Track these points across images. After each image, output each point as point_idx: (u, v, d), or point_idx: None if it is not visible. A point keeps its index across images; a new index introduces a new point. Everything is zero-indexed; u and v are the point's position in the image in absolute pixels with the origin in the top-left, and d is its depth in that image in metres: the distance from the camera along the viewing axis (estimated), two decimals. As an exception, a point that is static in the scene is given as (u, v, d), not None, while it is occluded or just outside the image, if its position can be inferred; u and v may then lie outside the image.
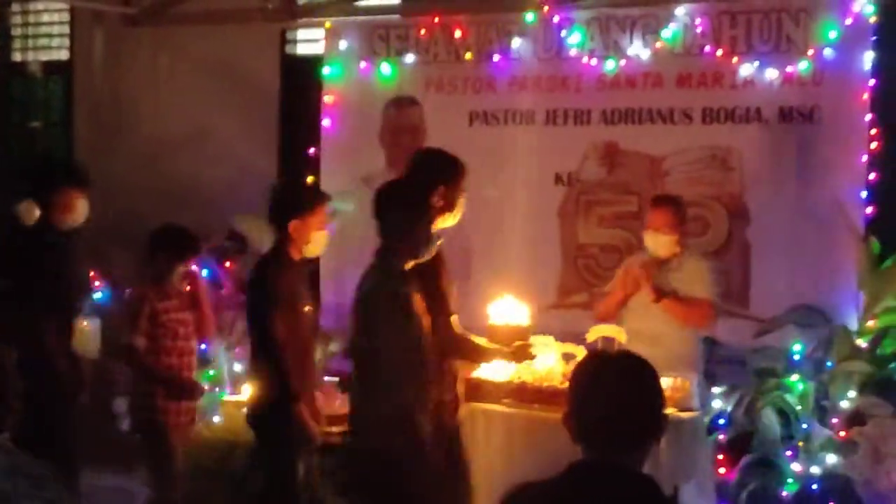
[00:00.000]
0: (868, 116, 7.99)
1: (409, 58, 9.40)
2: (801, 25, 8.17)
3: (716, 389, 8.05)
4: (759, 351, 8.10)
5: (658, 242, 7.35)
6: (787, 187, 8.21)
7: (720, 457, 7.64)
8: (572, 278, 8.88)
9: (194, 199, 10.22)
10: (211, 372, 8.84)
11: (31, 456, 3.51)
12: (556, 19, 8.86)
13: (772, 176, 8.23)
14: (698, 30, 8.45)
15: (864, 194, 7.97)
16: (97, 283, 9.51)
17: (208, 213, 9.76)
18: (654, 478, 3.31)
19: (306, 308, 6.73)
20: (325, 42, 9.81)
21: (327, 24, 9.75)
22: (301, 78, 10.32)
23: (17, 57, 12.03)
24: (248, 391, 7.02)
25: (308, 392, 6.60)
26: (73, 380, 7.11)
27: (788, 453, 7.62)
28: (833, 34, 8.06)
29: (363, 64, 9.56)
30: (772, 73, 8.25)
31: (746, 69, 8.33)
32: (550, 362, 7.18)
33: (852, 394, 7.63)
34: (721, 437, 7.81)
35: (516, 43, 8.99)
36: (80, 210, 7.11)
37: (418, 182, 6.34)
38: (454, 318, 6.41)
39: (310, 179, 9.28)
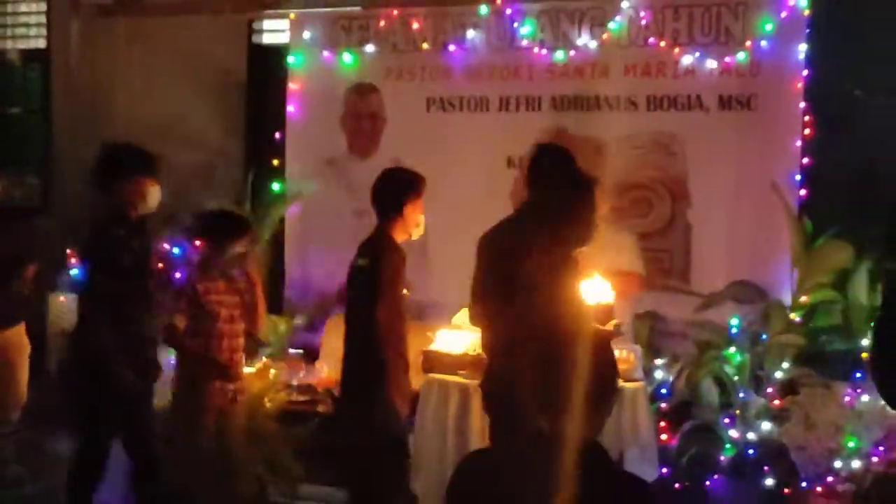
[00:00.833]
0: (801, 104, 7.98)
1: (370, 47, 9.33)
2: (740, 19, 8.16)
3: (658, 361, 8.07)
4: (699, 325, 8.12)
5: None
6: (726, 171, 8.21)
7: (662, 424, 7.63)
8: (524, 256, 8.83)
9: (166, 181, 10.15)
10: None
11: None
12: (508, 11, 8.80)
13: (712, 160, 8.23)
14: (643, 22, 8.42)
15: (797, 178, 7.99)
16: (73, 261, 9.42)
17: (180, 194, 9.71)
18: (601, 444, 3.30)
19: (405, 291, 6.67)
20: (289, 32, 9.73)
21: (292, 16, 9.66)
22: (267, 66, 10.24)
23: (-4, 46, 11.95)
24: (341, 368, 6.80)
25: (405, 373, 6.54)
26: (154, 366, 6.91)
27: (726, 420, 7.63)
28: (769, 27, 8.05)
29: (326, 53, 9.49)
30: (712, 64, 8.22)
31: (688, 59, 8.30)
32: (503, 336, 7.16)
33: (786, 365, 7.66)
34: (663, 405, 7.81)
35: (471, 34, 8.94)
36: (154, 198, 6.90)
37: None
38: None
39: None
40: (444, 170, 8.88)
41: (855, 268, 7.78)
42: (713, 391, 7.77)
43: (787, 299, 7.87)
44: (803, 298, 7.77)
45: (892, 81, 8.33)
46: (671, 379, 7.96)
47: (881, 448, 7.15)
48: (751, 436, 7.51)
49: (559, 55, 8.68)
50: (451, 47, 9.03)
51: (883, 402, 7.20)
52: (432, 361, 7.28)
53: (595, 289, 6.60)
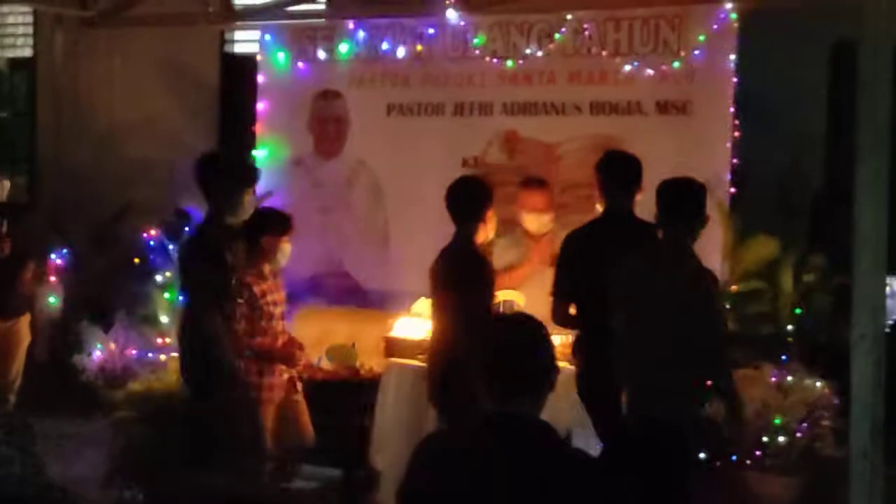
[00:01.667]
0: (731, 109, 8.03)
1: (334, 57, 9.31)
2: (676, 30, 8.17)
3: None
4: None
5: (540, 222, 7.34)
6: (663, 171, 8.21)
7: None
8: (478, 249, 8.85)
9: (145, 181, 10.15)
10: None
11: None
12: (462, 24, 8.80)
13: (650, 161, 8.21)
14: (586, 34, 8.42)
15: (728, 177, 8.02)
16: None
17: (157, 193, 9.70)
18: (549, 424, 3.29)
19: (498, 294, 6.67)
20: (259, 43, 9.68)
21: (261, 28, 9.65)
22: (238, 74, 10.23)
23: (-15, 55, 11.88)
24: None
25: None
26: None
27: (663, 400, 7.65)
28: (702, 38, 8.06)
29: (293, 62, 9.46)
30: (650, 72, 8.23)
31: (628, 68, 8.30)
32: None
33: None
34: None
35: (428, 44, 8.94)
36: (250, 208, 6.65)
37: None
38: None
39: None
40: (403, 170, 8.95)
41: (781, 259, 7.84)
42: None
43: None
44: (734, 288, 7.81)
45: (811, 87, 8.42)
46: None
47: (805, 424, 7.20)
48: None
49: (509, 64, 8.68)
50: (411, 56, 9.01)
51: (807, 382, 7.30)
52: (393, 347, 7.30)
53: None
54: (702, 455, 6.99)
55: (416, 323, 7.33)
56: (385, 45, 9.10)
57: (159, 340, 8.41)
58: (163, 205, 9.47)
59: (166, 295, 8.63)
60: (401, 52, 9.04)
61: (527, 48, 8.63)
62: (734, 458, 7.23)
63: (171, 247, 8.73)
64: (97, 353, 8.39)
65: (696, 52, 8.10)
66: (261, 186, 9.46)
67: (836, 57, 8.32)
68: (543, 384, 3.29)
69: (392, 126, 9.12)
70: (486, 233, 6.58)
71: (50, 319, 9.30)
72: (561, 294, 6.24)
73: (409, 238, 8.94)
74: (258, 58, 9.67)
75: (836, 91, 8.37)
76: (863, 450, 3.12)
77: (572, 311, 6.25)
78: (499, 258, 7.44)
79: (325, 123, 9.44)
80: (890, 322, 7.19)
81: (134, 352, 8.39)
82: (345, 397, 7.57)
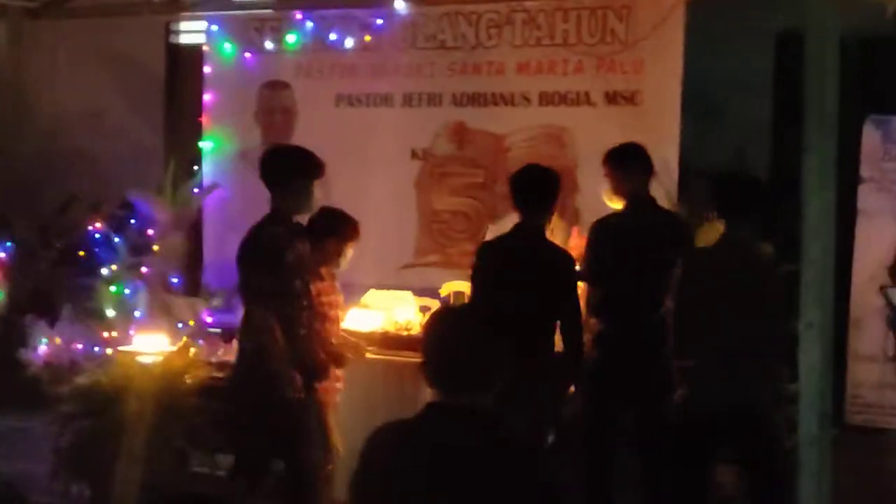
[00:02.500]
0: (679, 99, 8.04)
1: (281, 47, 9.26)
2: (624, 21, 8.18)
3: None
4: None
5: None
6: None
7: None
8: (427, 241, 8.83)
9: (90, 173, 10.07)
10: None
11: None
12: (411, 14, 8.78)
13: (599, 151, 8.22)
14: (535, 24, 8.43)
15: (675, 166, 8.04)
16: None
17: (103, 185, 9.63)
18: (495, 415, 3.28)
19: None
20: (205, 33, 9.62)
21: (207, 17, 9.59)
22: (185, 65, 10.14)
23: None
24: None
25: None
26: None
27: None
28: (651, 28, 8.10)
29: (240, 52, 9.40)
30: (599, 62, 8.26)
31: (576, 58, 8.33)
32: (409, 314, 7.18)
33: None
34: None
35: (377, 34, 8.90)
36: (315, 203, 6.54)
37: None
38: None
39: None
40: (352, 161, 8.89)
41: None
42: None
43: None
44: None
45: (758, 76, 8.46)
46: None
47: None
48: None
49: (458, 55, 8.66)
50: (359, 47, 8.97)
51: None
52: (343, 339, 7.25)
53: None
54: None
55: (367, 314, 7.31)
56: (333, 36, 9.06)
57: (105, 335, 8.33)
58: (108, 197, 9.41)
59: (112, 288, 8.55)
60: (349, 42, 9.00)
61: (476, 39, 8.61)
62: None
63: (116, 239, 8.66)
64: (42, 348, 8.30)
65: (645, 42, 8.11)
66: (207, 178, 9.47)
67: (782, 46, 8.36)
68: (493, 376, 3.27)
69: (340, 117, 9.08)
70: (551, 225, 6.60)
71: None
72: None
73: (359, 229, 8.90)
74: (204, 48, 9.61)
75: (782, 80, 8.41)
76: (811, 438, 3.12)
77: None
78: None
79: (273, 114, 9.39)
80: None
81: (80, 346, 8.31)
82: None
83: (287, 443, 6.16)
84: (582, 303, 6.49)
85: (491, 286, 6.10)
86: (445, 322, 3.39)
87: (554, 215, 6.57)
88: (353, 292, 7.87)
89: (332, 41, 9.05)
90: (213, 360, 7.96)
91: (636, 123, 8.10)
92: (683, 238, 6.58)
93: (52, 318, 8.51)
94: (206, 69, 9.55)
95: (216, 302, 9.04)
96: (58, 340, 8.34)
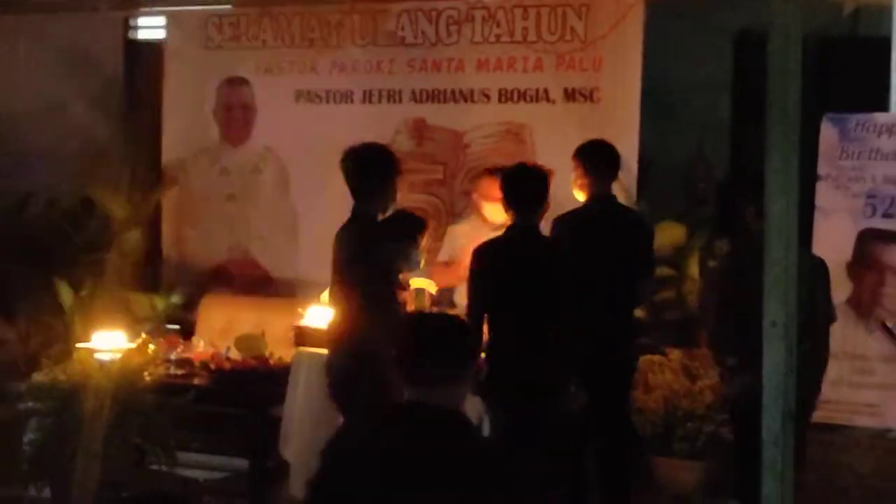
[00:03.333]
0: (639, 97, 8.06)
1: (241, 43, 9.20)
2: (583, 18, 8.18)
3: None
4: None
5: (497, 211, 7.27)
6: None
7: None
8: (387, 237, 8.80)
9: (48, 168, 9.97)
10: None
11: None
12: (371, 10, 8.74)
13: (558, 148, 8.23)
14: (495, 21, 8.41)
15: (635, 164, 8.05)
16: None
17: (61, 181, 9.54)
18: (464, 412, 3.30)
19: None
20: (164, 29, 9.58)
21: (166, 13, 9.53)
22: (143, 61, 10.06)
23: None
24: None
25: None
26: None
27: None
28: (610, 26, 8.11)
29: (199, 49, 9.33)
30: (558, 60, 8.25)
31: (536, 56, 8.32)
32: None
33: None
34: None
35: (335, 31, 8.86)
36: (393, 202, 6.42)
37: None
38: None
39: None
40: (311, 157, 8.86)
41: (687, 245, 7.89)
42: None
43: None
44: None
45: (715, 74, 8.49)
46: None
47: (712, 410, 7.26)
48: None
49: (418, 51, 8.64)
50: (319, 43, 8.92)
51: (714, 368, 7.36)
52: (303, 335, 7.23)
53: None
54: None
55: (327, 311, 7.26)
56: (293, 32, 9.00)
57: (63, 332, 8.27)
58: (66, 193, 9.33)
59: (70, 285, 8.49)
60: (309, 39, 8.95)
61: (435, 35, 8.59)
62: (643, 443, 7.29)
63: (74, 236, 8.60)
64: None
65: (604, 40, 8.11)
66: (165, 174, 9.41)
67: (741, 45, 8.39)
68: (459, 375, 3.29)
69: (300, 113, 9.03)
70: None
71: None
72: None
73: (317, 226, 8.86)
74: (163, 45, 9.53)
75: (741, 78, 8.44)
76: (774, 437, 3.12)
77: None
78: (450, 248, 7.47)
79: (232, 111, 9.32)
80: None
81: (38, 343, 8.24)
82: (253, 387, 7.48)
83: None
84: None
85: (498, 288, 6.09)
86: (421, 321, 3.53)
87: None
88: (313, 289, 7.83)
89: (292, 37, 9.00)
90: (173, 357, 7.90)
91: (595, 121, 8.11)
92: (651, 236, 6.63)
93: (9, 315, 8.44)
94: (166, 65, 9.47)
95: (175, 298, 8.99)
96: (15, 337, 8.28)
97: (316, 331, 7.14)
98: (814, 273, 5.91)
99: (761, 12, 3.32)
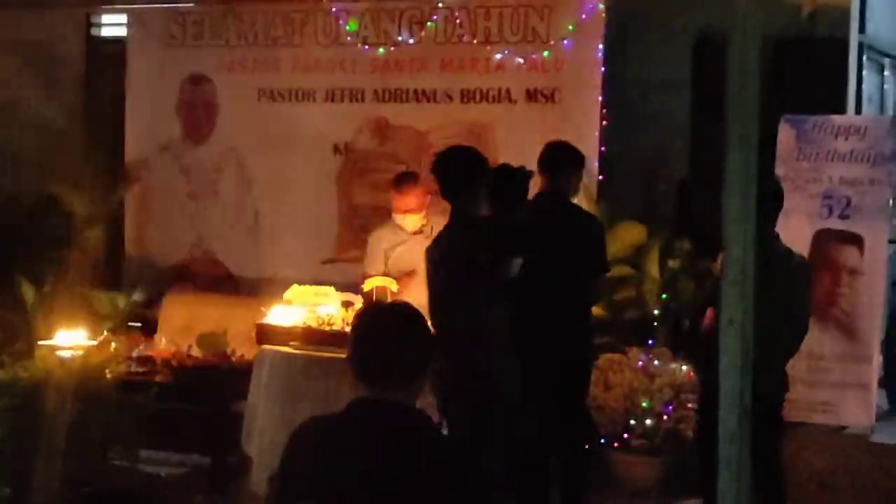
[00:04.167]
0: (599, 97, 8.09)
1: (203, 41, 9.17)
2: (545, 19, 8.22)
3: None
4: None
5: (412, 222, 7.26)
6: (532, 157, 8.24)
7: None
8: (348, 235, 8.79)
9: (8, 165, 9.91)
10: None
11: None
12: (333, 10, 8.73)
13: (520, 148, 8.24)
14: (457, 21, 8.42)
15: (596, 164, 8.08)
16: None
17: (23, 178, 9.48)
18: (424, 410, 3.28)
19: None
20: (127, 26, 9.52)
21: (129, 10, 9.49)
22: (106, 57, 10.00)
23: None
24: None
25: None
26: None
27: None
28: (571, 27, 8.13)
29: (162, 46, 9.30)
30: (519, 60, 8.26)
31: (498, 56, 8.33)
32: (332, 309, 7.14)
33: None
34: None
35: (299, 29, 8.84)
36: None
37: None
38: None
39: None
40: (274, 155, 8.89)
41: (647, 245, 7.93)
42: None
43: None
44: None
45: (674, 76, 8.52)
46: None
47: (671, 407, 7.31)
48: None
49: (380, 51, 8.64)
50: (281, 42, 8.90)
51: (673, 366, 7.41)
52: (266, 334, 7.20)
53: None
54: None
55: (289, 310, 7.25)
56: (255, 30, 8.98)
57: (25, 328, 8.21)
58: (28, 190, 9.27)
59: (31, 282, 8.43)
60: (272, 37, 8.93)
61: (398, 35, 8.59)
62: (603, 440, 7.32)
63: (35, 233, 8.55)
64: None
65: (565, 41, 8.15)
66: (127, 171, 9.36)
67: (701, 46, 8.43)
68: (419, 372, 3.27)
69: (262, 112, 9.01)
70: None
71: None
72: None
73: (279, 224, 8.87)
74: (126, 41, 9.48)
75: (700, 79, 8.48)
76: (731, 435, 3.13)
77: None
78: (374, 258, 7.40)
79: (194, 108, 9.30)
80: None
81: (-2, 341, 8.17)
82: (215, 384, 7.47)
83: None
84: None
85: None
86: (373, 318, 3.39)
87: None
88: (275, 287, 7.82)
89: (255, 35, 8.98)
90: (134, 354, 7.88)
91: (556, 121, 8.15)
92: (601, 233, 6.66)
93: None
94: (128, 62, 9.42)
95: (136, 296, 8.94)
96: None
97: (278, 328, 7.12)
98: (796, 272, 5.99)
99: (721, 14, 3.35)
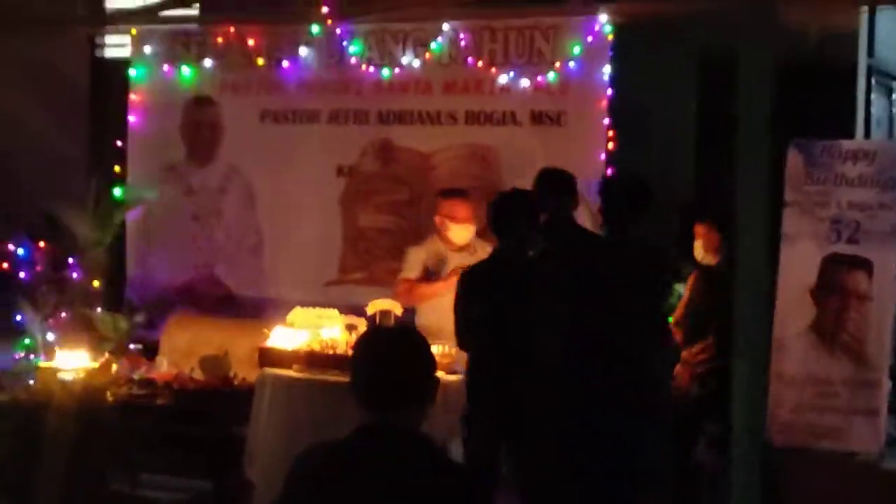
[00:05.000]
0: (605, 120, 8.07)
1: (207, 62, 9.16)
2: (551, 41, 8.20)
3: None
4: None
5: (461, 233, 7.29)
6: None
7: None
8: (352, 258, 8.78)
9: (9, 184, 9.90)
10: (27, 341, 8.53)
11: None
12: (338, 31, 8.71)
13: (524, 170, 8.23)
14: (462, 43, 8.40)
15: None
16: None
17: (23, 197, 9.47)
18: (428, 435, 3.24)
19: None
20: (131, 47, 9.52)
21: (133, 31, 9.47)
22: (109, 78, 10.01)
23: None
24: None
25: None
26: None
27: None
28: (577, 49, 8.10)
29: (166, 67, 9.30)
30: (525, 82, 8.24)
31: (503, 78, 8.30)
32: (335, 332, 7.12)
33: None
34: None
35: (303, 51, 8.82)
36: None
37: None
38: None
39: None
40: (278, 177, 8.89)
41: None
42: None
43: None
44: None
45: (681, 98, 8.52)
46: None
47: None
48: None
49: (385, 72, 8.62)
50: (285, 63, 8.90)
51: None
52: (268, 357, 7.19)
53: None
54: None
55: (292, 332, 7.23)
56: (259, 52, 8.98)
57: (26, 350, 8.20)
58: (29, 210, 9.26)
59: (33, 303, 8.42)
60: (275, 58, 8.92)
61: (402, 57, 8.58)
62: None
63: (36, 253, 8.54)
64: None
65: (571, 63, 8.13)
66: (130, 192, 9.36)
67: (706, 68, 8.42)
68: (424, 396, 3.23)
69: (266, 133, 9.01)
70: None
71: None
72: None
73: (283, 246, 8.86)
74: (130, 62, 9.48)
75: (706, 101, 8.47)
76: (743, 458, 3.12)
77: None
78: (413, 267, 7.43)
79: (198, 130, 9.30)
80: None
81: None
82: (217, 407, 7.44)
83: None
84: None
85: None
86: (375, 342, 3.36)
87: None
88: (277, 309, 7.80)
89: (258, 57, 8.97)
90: (136, 377, 7.86)
91: (561, 143, 8.14)
92: None
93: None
94: (132, 83, 9.43)
95: (138, 318, 8.93)
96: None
97: (280, 352, 7.10)
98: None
99: (727, 34, 3.33)
